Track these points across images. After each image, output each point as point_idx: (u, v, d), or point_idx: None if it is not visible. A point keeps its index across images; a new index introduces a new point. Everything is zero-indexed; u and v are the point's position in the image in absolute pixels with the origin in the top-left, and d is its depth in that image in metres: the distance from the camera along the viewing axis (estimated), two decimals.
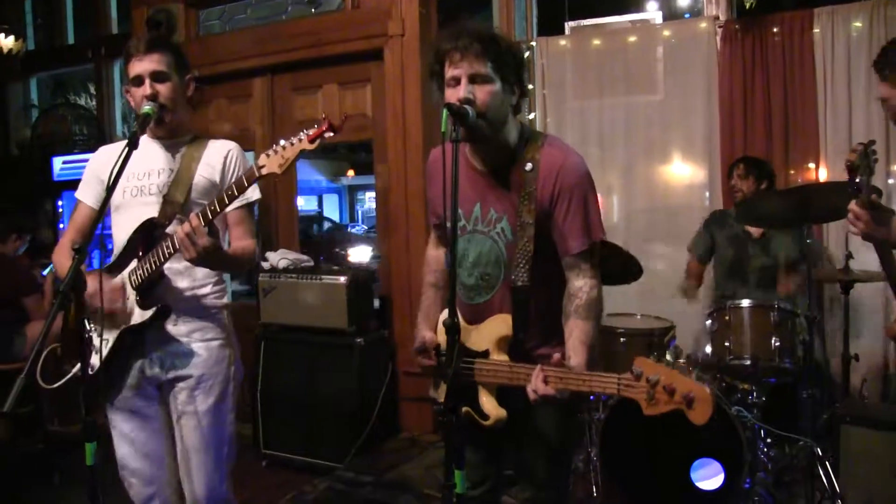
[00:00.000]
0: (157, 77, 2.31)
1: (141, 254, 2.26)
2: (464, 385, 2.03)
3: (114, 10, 6.27)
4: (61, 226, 6.04)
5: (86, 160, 5.88)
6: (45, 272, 4.85)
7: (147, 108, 2.27)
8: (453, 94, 1.97)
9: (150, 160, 2.38)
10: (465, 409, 2.05)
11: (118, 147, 2.38)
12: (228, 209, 2.16)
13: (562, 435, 2.16)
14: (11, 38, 6.12)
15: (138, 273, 2.26)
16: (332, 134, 1.90)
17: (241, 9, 5.12)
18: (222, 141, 2.50)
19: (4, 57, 6.12)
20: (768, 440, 3.47)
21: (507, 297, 2.06)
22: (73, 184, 6.12)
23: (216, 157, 2.41)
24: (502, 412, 2.00)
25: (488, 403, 2.02)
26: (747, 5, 4.42)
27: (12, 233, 4.54)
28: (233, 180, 2.24)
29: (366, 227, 29.03)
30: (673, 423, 3.13)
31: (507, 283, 2.05)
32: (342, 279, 4.07)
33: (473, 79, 1.96)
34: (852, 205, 1.92)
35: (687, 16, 5.27)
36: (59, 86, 7.38)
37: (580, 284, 2.02)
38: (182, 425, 2.35)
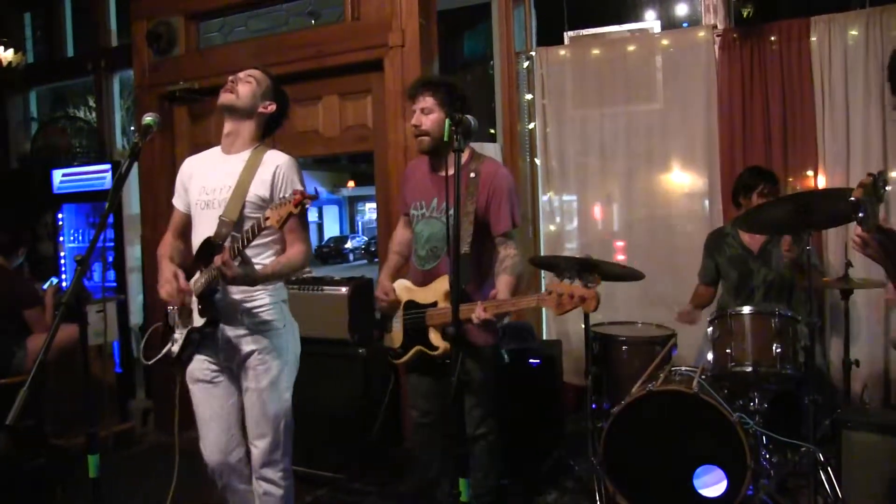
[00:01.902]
0: (244, 79, 2.78)
1: (202, 268, 2.64)
2: (417, 328, 2.96)
3: (113, 23, 6.29)
4: (61, 238, 6.05)
5: (86, 173, 5.95)
6: (46, 286, 4.85)
7: (149, 119, 2.44)
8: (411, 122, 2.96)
9: (220, 176, 2.74)
10: (417, 347, 2.95)
11: (201, 156, 2.93)
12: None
13: (489, 387, 3.01)
14: (11, 50, 6.14)
15: (198, 285, 2.64)
16: (309, 202, 2.32)
17: (240, 21, 5.13)
18: (276, 155, 2.76)
19: (4, 70, 6.14)
20: (771, 447, 3.47)
21: (448, 261, 2.83)
22: (73, 196, 6.15)
23: (267, 174, 2.69)
24: (446, 344, 2.79)
25: (436, 339, 2.89)
26: (745, 14, 4.45)
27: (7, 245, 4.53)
28: (280, 194, 2.63)
29: (366, 238, 29.11)
30: (676, 430, 3.15)
31: (449, 253, 2.81)
32: (343, 290, 4.07)
33: (423, 111, 2.93)
34: (858, 231, 1.86)
35: (685, 25, 5.29)
36: (58, 98, 7.40)
37: (507, 253, 2.87)
38: (245, 399, 2.75)
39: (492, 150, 5.10)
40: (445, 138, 2.30)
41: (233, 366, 2.75)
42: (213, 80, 4.88)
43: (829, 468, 3.17)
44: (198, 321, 2.65)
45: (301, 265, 2.73)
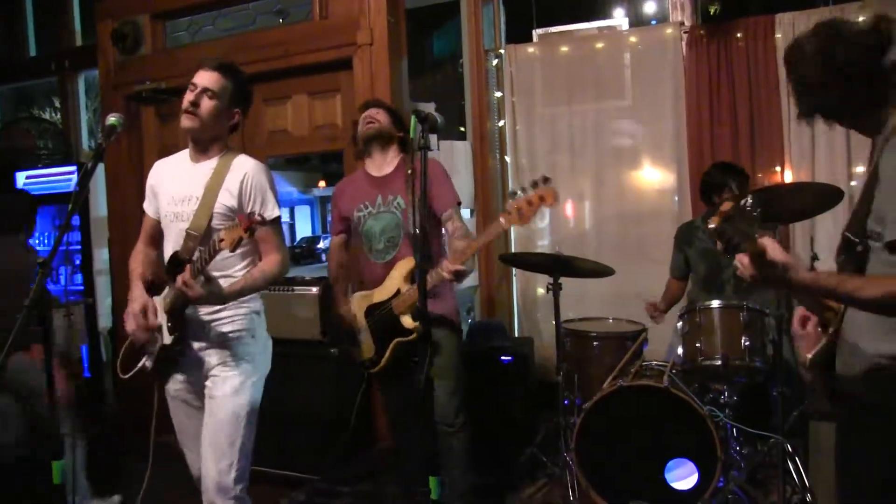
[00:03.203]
0: (206, 92, 2.56)
1: (171, 284, 2.52)
2: (386, 325, 3.05)
3: (78, 23, 6.20)
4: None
5: (51, 175, 5.85)
6: None
7: (113, 119, 2.39)
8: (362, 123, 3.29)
9: (186, 185, 2.62)
10: (395, 340, 3.01)
11: (170, 161, 2.80)
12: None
13: (459, 364, 3.20)
14: None
15: (167, 301, 2.56)
16: (259, 227, 2.29)
17: (208, 20, 5.07)
18: (244, 161, 2.64)
19: None
20: (741, 439, 3.52)
21: (407, 244, 3.09)
22: (38, 198, 6.01)
23: (234, 183, 2.58)
24: (418, 323, 2.76)
25: (408, 322, 2.98)
26: (711, 11, 4.51)
27: None
28: (248, 204, 2.58)
29: None
30: (648, 424, 3.17)
31: (406, 235, 3.09)
32: (314, 290, 4.05)
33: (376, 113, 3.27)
34: (740, 256, 1.69)
35: (653, 22, 5.33)
36: (22, 99, 7.27)
37: (455, 226, 3.09)
38: (205, 410, 2.61)
39: (462, 149, 5.11)
40: (412, 135, 2.32)
41: (202, 382, 2.63)
42: (180, 80, 4.76)
43: (796, 458, 3.21)
44: (167, 338, 2.55)
45: (277, 275, 2.61)
